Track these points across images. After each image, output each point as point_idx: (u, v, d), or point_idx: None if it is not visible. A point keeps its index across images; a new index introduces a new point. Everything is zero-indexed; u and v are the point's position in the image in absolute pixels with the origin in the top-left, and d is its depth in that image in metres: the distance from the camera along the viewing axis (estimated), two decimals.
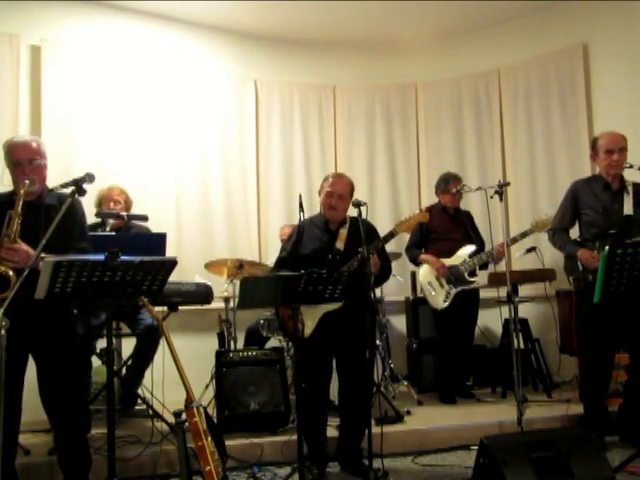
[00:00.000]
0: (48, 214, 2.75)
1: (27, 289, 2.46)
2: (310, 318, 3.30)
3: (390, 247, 3.60)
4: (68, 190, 2.72)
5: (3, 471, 2.50)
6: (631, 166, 3.66)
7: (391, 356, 5.06)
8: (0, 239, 2.69)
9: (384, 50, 6.18)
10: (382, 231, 3.59)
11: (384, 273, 3.51)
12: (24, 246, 2.67)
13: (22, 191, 2.73)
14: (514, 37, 5.81)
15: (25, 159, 2.83)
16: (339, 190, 3.45)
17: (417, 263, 4.78)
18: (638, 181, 3.77)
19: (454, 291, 4.55)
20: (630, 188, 3.71)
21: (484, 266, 4.72)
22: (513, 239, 4.37)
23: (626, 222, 3.63)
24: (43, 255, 2.59)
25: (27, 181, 2.75)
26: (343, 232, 3.47)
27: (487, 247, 4.65)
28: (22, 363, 2.85)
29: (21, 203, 2.71)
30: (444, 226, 4.73)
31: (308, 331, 3.30)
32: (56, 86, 4.90)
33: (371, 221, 3.61)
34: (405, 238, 4.93)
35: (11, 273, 2.61)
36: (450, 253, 4.65)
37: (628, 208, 3.66)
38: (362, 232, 3.18)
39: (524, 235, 4.47)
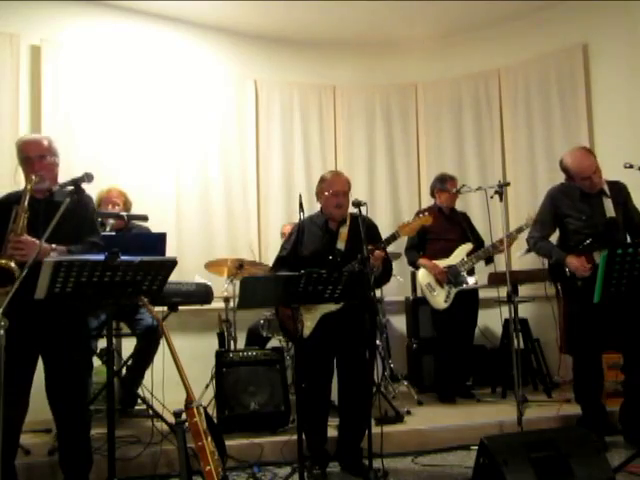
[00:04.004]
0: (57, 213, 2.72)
1: (34, 288, 2.46)
2: (309, 318, 3.31)
3: (390, 247, 3.60)
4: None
5: (3, 470, 2.50)
6: (631, 166, 3.63)
7: (391, 356, 5.06)
8: (7, 235, 2.69)
9: (384, 50, 6.18)
10: (383, 232, 3.58)
11: (386, 274, 3.50)
12: (29, 238, 2.67)
13: (29, 187, 2.74)
14: (514, 37, 5.81)
15: (35, 156, 2.85)
16: (343, 188, 3.44)
17: (416, 266, 4.78)
18: (634, 181, 3.75)
19: (454, 291, 4.56)
20: (606, 188, 3.69)
21: (489, 260, 4.71)
22: (509, 235, 4.36)
23: (610, 225, 3.63)
24: (54, 246, 2.64)
25: (34, 177, 2.76)
26: (344, 231, 3.46)
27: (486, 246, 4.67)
28: (32, 363, 2.85)
29: (27, 199, 2.71)
30: (441, 227, 4.72)
31: (307, 331, 3.30)
32: (56, 86, 4.90)
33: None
34: (404, 238, 4.93)
35: (13, 264, 2.61)
36: (448, 253, 4.66)
37: (609, 210, 3.65)
38: (362, 232, 3.17)
39: (520, 230, 4.47)
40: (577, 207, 3.72)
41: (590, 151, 3.75)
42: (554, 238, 3.94)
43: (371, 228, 3.47)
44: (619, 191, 3.74)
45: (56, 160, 2.94)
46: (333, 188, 3.44)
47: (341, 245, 3.43)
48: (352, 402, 3.36)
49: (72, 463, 2.90)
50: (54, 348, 2.86)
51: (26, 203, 2.71)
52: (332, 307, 3.27)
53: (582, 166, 3.64)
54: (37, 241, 2.62)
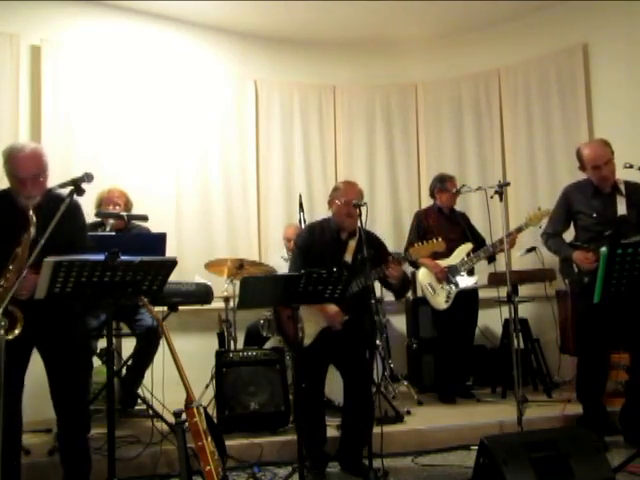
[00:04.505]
0: (50, 220, 2.61)
1: None
2: (312, 327, 3.30)
3: (390, 247, 3.61)
4: (67, 190, 2.69)
5: (4, 470, 2.50)
6: (631, 166, 3.64)
7: (391, 356, 5.06)
8: (4, 271, 2.63)
9: (384, 50, 6.18)
10: (383, 232, 3.59)
11: (404, 287, 3.53)
12: (29, 275, 2.59)
13: (32, 230, 2.62)
14: (514, 37, 5.81)
15: (29, 177, 2.74)
16: (356, 197, 3.39)
17: (416, 266, 4.78)
18: (638, 180, 3.76)
19: (454, 291, 4.56)
20: (622, 187, 3.69)
21: (492, 258, 4.71)
22: (509, 234, 4.36)
23: (620, 222, 3.62)
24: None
25: (32, 220, 2.64)
26: (352, 244, 3.44)
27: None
28: (25, 362, 2.85)
29: (30, 240, 2.61)
30: (441, 227, 4.73)
31: (308, 341, 3.29)
32: (56, 86, 4.89)
33: (371, 222, 3.60)
34: (404, 238, 4.94)
35: (19, 313, 2.60)
36: (448, 253, 4.65)
37: (622, 209, 3.65)
38: (362, 232, 3.18)
39: (519, 230, 4.47)
40: (589, 204, 3.73)
41: (608, 144, 3.74)
42: (569, 236, 3.94)
43: (377, 244, 3.48)
44: (635, 191, 3.72)
45: (47, 173, 2.82)
46: (346, 197, 3.40)
47: (348, 258, 3.42)
48: (356, 403, 3.35)
49: (73, 464, 2.90)
50: (51, 348, 2.86)
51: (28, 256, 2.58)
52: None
53: (595, 154, 3.67)
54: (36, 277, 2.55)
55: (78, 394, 2.90)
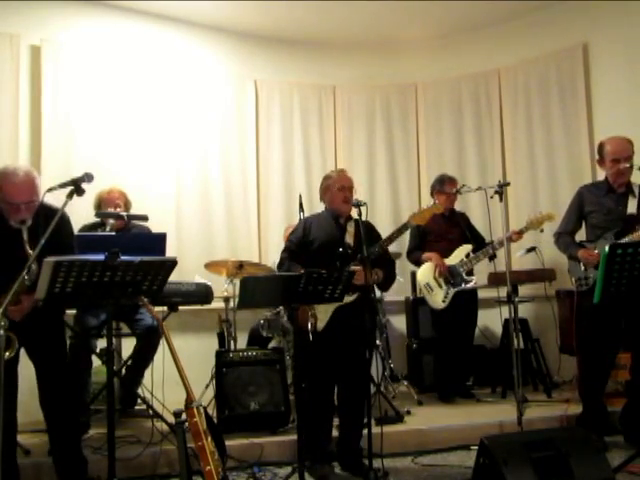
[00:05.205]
0: (42, 237, 2.57)
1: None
2: (323, 312, 3.31)
3: (391, 247, 3.61)
4: (61, 193, 2.68)
5: (5, 468, 2.50)
6: (631, 166, 3.66)
7: (391, 356, 5.06)
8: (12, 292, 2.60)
9: (384, 50, 6.18)
10: (383, 232, 3.59)
11: (389, 276, 3.53)
12: (22, 298, 2.63)
13: (25, 277, 2.60)
14: (514, 37, 5.81)
15: (22, 203, 2.76)
16: (350, 183, 3.50)
17: (420, 264, 4.77)
18: (638, 181, 3.76)
19: (452, 291, 4.56)
20: (636, 190, 3.72)
21: (492, 256, 4.70)
22: (509, 237, 4.36)
23: (629, 220, 3.64)
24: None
25: (30, 255, 2.63)
26: (351, 228, 3.50)
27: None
28: (15, 361, 2.84)
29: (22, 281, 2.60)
30: (440, 227, 4.74)
31: (321, 325, 3.30)
32: (56, 86, 4.89)
33: (371, 221, 3.61)
34: (404, 238, 4.93)
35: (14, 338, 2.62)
36: (447, 254, 4.65)
37: (633, 208, 3.67)
38: (362, 232, 3.19)
39: (520, 232, 4.47)
40: (600, 202, 3.76)
41: (631, 142, 3.76)
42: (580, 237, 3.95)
43: (372, 231, 3.52)
44: None
45: (40, 195, 2.82)
46: (340, 183, 3.49)
47: (350, 240, 3.46)
48: (353, 402, 3.36)
49: (65, 466, 2.91)
50: (36, 351, 2.89)
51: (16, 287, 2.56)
52: (347, 299, 3.24)
53: (617, 148, 3.71)
54: (30, 299, 2.60)
55: (62, 399, 2.91)
